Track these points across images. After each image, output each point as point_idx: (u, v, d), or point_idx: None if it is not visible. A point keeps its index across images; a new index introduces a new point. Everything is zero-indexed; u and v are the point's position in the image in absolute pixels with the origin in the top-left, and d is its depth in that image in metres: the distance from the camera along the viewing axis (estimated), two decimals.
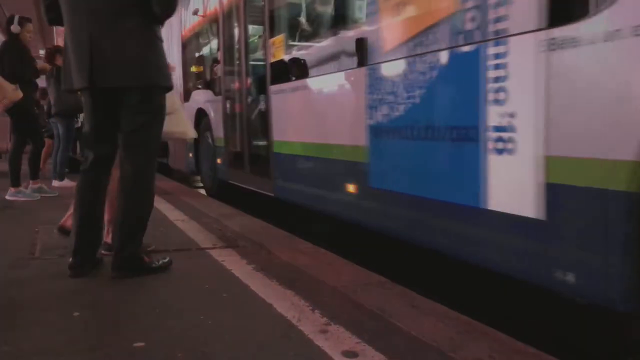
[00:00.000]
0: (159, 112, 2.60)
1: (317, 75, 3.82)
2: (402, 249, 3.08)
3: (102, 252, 2.77)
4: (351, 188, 3.29)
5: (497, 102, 2.19)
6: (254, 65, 5.23)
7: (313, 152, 3.81)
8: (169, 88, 2.64)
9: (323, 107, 3.69)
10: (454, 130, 2.44)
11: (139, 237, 2.56)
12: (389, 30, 2.92)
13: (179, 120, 3.23)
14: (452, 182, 2.48)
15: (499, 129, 2.19)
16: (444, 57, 2.50)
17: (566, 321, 2.32)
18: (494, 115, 2.21)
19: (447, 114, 2.51)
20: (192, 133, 3.59)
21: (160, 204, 4.13)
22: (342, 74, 3.44)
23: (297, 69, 4.10)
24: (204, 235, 3.52)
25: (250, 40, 5.34)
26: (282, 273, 2.58)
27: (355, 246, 3.51)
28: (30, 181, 5.43)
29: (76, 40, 2.49)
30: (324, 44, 3.89)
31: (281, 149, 4.36)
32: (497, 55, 2.19)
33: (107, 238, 2.87)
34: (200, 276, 2.55)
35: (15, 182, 5.23)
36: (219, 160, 5.86)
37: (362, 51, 3.11)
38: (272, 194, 4.52)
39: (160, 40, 2.58)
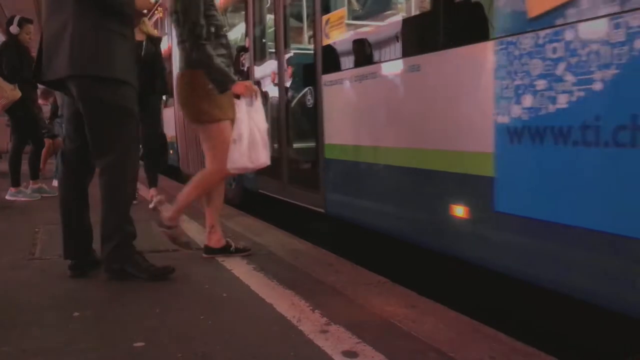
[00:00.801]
0: (104, 108, 2.39)
1: (401, 58, 2.85)
2: (402, 249, 3.07)
3: (204, 255, 2.90)
4: (460, 211, 2.41)
5: None
6: (296, 51, 4.34)
7: (393, 159, 2.90)
8: (114, 80, 2.40)
9: (415, 100, 2.74)
10: None
11: (117, 239, 2.44)
12: None
13: (243, 150, 2.63)
14: None
15: None
16: None
17: (566, 321, 2.32)
18: None
19: None
20: (264, 160, 2.74)
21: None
22: (447, 53, 2.51)
23: (367, 52, 3.18)
24: (204, 235, 3.51)
25: (290, 20, 4.43)
26: (282, 273, 2.57)
27: (355, 246, 3.51)
28: (31, 181, 5.43)
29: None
30: (412, 16, 3.13)
31: (337, 154, 3.47)
32: None
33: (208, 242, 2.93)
34: (201, 276, 2.55)
35: (16, 182, 5.23)
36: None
37: (487, 19, 2.29)
38: (323, 210, 3.63)
39: (104, 29, 2.37)
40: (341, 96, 3.39)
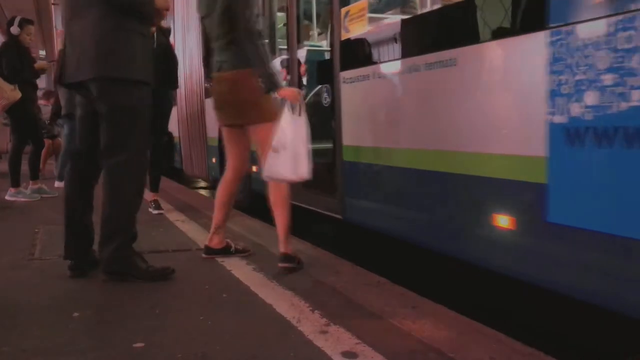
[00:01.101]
0: (120, 108, 2.43)
1: (433, 51, 2.57)
2: (402, 249, 3.08)
3: (204, 255, 2.89)
4: (505, 222, 2.18)
5: None
6: (310, 47, 4.15)
7: (425, 163, 2.64)
8: (126, 80, 2.42)
9: (450, 98, 2.50)
10: None
11: (118, 240, 2.42)
12: None
13: (286, 160, 2.50)
14: None
15: None
16: None
17: (566, 321, 2.32)
18: None
19: None
20: (306, 173, 2.55)
21: (161, 204, 4.13)
22: (490, 45, 2.30)
23: (394, 46, 2.93)
24: (204, 235, 3.51)
25: (303, 14, 4.17)
26: (281, 273, 2.57)
27: (355, 246, 3.50)
28: (30, 182, 5.43)
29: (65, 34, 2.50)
30: (447, 5, 2.87)
31: (356, 156, 3.23)
32: None
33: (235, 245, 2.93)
34: (200, 276, 2.55)
35: (15, 183, 5.23)
36: (254, 168, 4.10)
37: (540, 4, 2.00)
38: (340, 216, 3.40)
39: (125, 30, 2.40)
40: (363, 94, 3.15)
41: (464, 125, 2.42)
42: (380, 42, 3.06)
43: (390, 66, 2.93)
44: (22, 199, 5.17)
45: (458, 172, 2.43)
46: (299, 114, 2.54)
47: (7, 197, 5.16)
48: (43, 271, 2.65)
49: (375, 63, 3.07)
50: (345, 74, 3.29)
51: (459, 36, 2.52)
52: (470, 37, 2.42)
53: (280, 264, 2.62)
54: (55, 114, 6.79)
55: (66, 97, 6.24)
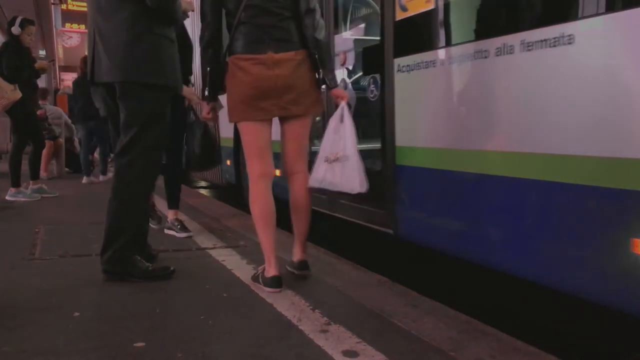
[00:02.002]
0: (141, 115, 2.43)
1: (540, 26, 1.99)
2: (402, 249, 3.07)
3: (288, 268, 2.50)
4: None
5: None
6: (351, 32, 3.60)
7: (522, 170, 2.09)
8: (153, 85, 2.41)
9: (564, 86, 1.93)
10: None
11: (121, 242, 2.41)
12: None
13: (343, 171, 2.27)
14: None
15: None
16: None
17: (567, 320, 2.32)
18: None
19: None
20: (360, 186, 2.27)
21: (160, 204, 4.13)
22: (631, 14, 1.68)
23: (476, 23, 2.36)
24: (204, 235, 3.52)
25: None
26: (282, 272, 2.57)
27: (355, 246, 3.50)
28: (31, 182, 5.43)
29: (88, 34, 2.52)
30: None
31: (415, 159, 2.67)
32: None
33: (294, 256, 2.49)
34: (201, 276, 2.55)
35: (16, 183, 5.23)
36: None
37: None
38: (391, 231, 2.86)
39: (155, 34, 2.41)
40: (426, 84, 2.60)
41: (588, 120, 1.84)
42: (454, 20, 2.49)
43: (468, 48, 2.32)
44: (23, 199, 5.17)
45: (579, 183, 1.86)
46: (342, 118, 2.29)
47: (7, 197, 5.16)
48: (43, 271, 2.65)
49: (446, 46, 2.50)
50: (401, 61, 2.73)
51: (581, 5, 1.88)
52: (603, 4, 1.80)
53: (298, 271, 2.45)
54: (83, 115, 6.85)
55: (84, 100, 6.36)
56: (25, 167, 5.40)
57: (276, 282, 2.27)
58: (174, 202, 3.62)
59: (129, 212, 2.46)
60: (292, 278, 2.45)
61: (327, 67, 2.32)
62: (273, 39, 2.25)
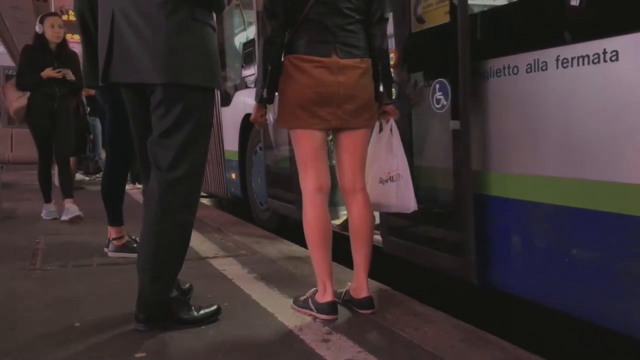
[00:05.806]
0: (191, 120, 1.93)
1: None
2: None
3: (345, 302, 2.24)
4: None
5: None
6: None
7: None
8: (204, 88, 1.98)
9: None
10: None
11: (164, 280, 1.96)
12: None
13: (397, 190, 2.15)
14: None
15: None
16: None
17: (569, 327, 2.31)
18: None
19: None
20: (414, 205, 2.15)
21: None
22: None
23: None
24: (205, 244, 3.52)
25: None
26: (283, 282, 2.57)
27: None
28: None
29: (100, 17, 1.99)
30: None
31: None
32: None
33: (354, 290, 2.20)
34: (202, 286, 2.53)
35: (47, 199, 4.76)
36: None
37: None
38: (473, 280, 2.16)
39: (198, 21, 1.93)
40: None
41: None
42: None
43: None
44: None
45: None
46: (390, 131, 2.17)
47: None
48: (44, 281, 2.65)
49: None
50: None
51: None
52: None
53: (363, 310, 2.13)
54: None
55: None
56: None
57: (333, 309, 2.06)
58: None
59: (180, 241, 1.99)
60: (293, 286, 2.45)
61: (389, 80, 2.18)
62: (340, 42, 2.04)
